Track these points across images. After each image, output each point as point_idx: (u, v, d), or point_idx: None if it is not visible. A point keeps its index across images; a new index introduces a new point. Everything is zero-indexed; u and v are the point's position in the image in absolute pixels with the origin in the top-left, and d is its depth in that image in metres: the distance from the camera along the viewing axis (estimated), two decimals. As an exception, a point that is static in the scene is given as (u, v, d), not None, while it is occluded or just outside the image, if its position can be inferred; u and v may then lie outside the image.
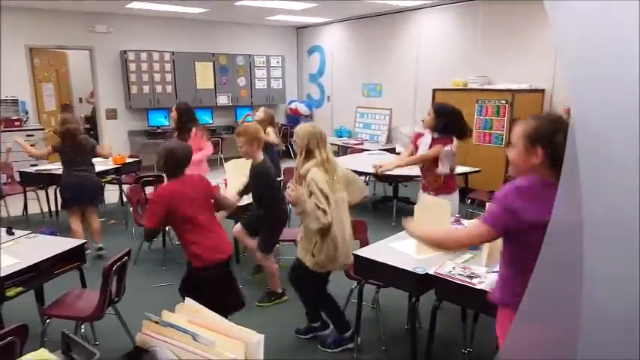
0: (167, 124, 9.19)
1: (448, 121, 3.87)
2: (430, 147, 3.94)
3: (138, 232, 5.34)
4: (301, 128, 3.18)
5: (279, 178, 5.02)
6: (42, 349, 1.56)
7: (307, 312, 3.48)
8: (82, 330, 3.01)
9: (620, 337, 1.34)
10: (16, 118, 7.62)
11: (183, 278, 3.20)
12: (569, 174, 1.37)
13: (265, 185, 3.82)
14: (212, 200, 3.16)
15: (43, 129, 7.94)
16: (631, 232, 1.27)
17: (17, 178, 6.15)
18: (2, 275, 2.77)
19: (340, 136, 9.79)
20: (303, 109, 10.58)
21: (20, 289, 2.90)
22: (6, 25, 7.69)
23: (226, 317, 1.74)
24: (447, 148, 3.85)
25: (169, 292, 4.30)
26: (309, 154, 3.09)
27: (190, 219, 2.93)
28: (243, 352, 1.58)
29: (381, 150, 7.77)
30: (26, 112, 7.99)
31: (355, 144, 8.88)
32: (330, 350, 3.33)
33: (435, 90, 7.41)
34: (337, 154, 8.62)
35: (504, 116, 6.53)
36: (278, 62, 10.50)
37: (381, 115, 9.26)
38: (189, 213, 2.92)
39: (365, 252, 3.08)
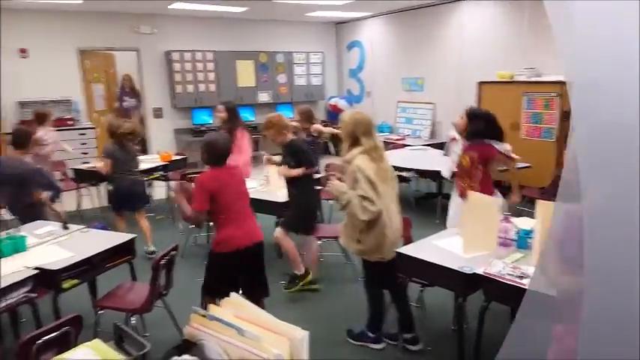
0: (211, 122, 9.38)
1: (480, 126, 3.78)
2: (464, 153, 3.88)
3: (184, 227, 5.47)
4: (346, 115, 3.11)
5: (318, 175, 5.05)
6: (96, 340, 1.61)
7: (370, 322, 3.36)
8: (133, 321, 3.10)
9: (620, 337, 1.32)
10: (68, 117, 7.96)
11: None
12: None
13: (298, 154, 3.90)
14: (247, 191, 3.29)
15: (93, 127, 8.25)
16: (631, 228, 1.25)
17: (70, 175, 6.42)
18: (58, 268, 2.89)
19: (381, 132, 9.69)
20: (343, 104, 10.54)
21: (75, 281, 3.02)
22: (57, 28, 8.04)
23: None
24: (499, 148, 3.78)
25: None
26: (355, 142, 3.00)
27: (226, 206, 3.07)
28: (288, 348, 1.58)
29: (423, 145, 7.64)
30: (78, 112, 8.33)
31: (397, 139, 8.75)
32: (351, 340, 3.34)
33: (480, 83, 7.21)
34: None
35: (554, 109, 6.27)
36: (318, 58, 10.50)
37: (424, 109, 9.09)
38: (226, 200, 3.06)
39: (409, 250, 3.01)
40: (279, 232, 4.07)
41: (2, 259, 2.99)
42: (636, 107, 1.24)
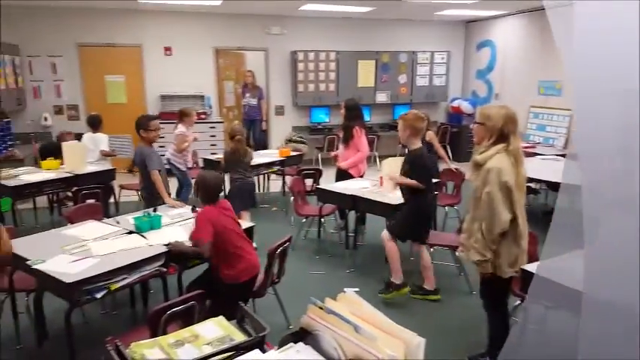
0: (327, 120, 9.58)
1: None
2: None
3: (296, 220, 5.63)
4: (494, 109, 2.77)
5: (435, 180, 4.88)
6: (221, 317, 1.69)
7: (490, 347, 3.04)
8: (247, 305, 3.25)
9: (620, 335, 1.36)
10: (202, 112, 8.62)
11: (197, 278, 3.30)
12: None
13: (419, 170, 3.75)
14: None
15: (222, 122, 8.86)
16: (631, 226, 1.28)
17: (200, 163, 6.95)
18: (186, 247, 3.12)
19: (506, 138, 9.10)
20: (466, 107, 10.08)
21: (198, 260, 3.24)
22: (197, 29, 8.75)
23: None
24: None
25: (323, 280, 4.47)
26: (500, 140, 2.69)
27: (230, 241, 3.07)
28: (403, 352, 1.52)
29: (557, 155, 6.95)
30: (210, 107, 9.01)
31: (527, 147, 8.09)
32: None
33: None
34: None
35: None
36: (443, 58, 10.15)
37: (560, 115, 8.34)
38: (229, 235, 3.07)
39: (534, 268, 2.71)
40: (385, 235, 4.00)
41: (141, 234, 3.32)
42: (636, 107, 1.29)
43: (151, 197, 4.25)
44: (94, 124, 6.15)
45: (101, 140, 6.11)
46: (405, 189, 3.92)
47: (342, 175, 5.24)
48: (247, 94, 9.04)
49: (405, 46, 9.97)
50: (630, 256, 1.31)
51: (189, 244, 3.13)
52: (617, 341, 1.37)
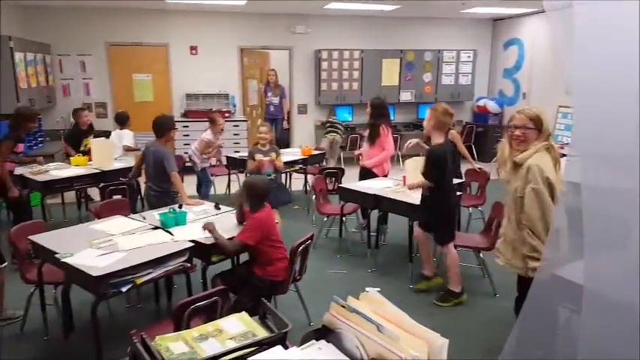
0: (350, 119, 9.55)
1: None
2: None
3: (318, 218, 5.63)
4: (534, 111, 2.74)
5: (459, 180, 4.83)
6: (243, 312, 1.70)
7: None
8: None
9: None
10: (225, 110, 8.70)
11: (224, 272, 3.42)
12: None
13: (437, 167, 3.70)
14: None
15: (245, 121, 8.93)
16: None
17: (224, 162, 7.01)
18: (210, 243, 3.16)
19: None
20: (492, 106, 9.92)
21: (221, 256, 3.28)
22: (223, 28, 8.84)
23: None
24: None
25: (344, 279, 4.46)
26: (539, 138, 2.68)
27: (276, 242, 3.27)
28: (426, 353, 1.50)
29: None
30: (234, 106, 9.08)
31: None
32: None
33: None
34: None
35: None
36: (469, 57, 10.01)
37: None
38: (274, 237, 3.27)
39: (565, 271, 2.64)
40: (419, 233, 4.00)
41: (167, 229, 3.37)
42: (636, 106, 1.31)
43: (162, 195, 4.23)
44: (122, 120, 6.36)
45: (125, 136, 6.27)
46: (424, 190, 3.90)
47: (366, 173, 5.21)
48: (269, 93, 8.99)
49: (430, 44, 9.87)
50: (631, 254, 1.32)
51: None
52: (618, 340, 1.38)
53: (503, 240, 2.88)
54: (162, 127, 4.29)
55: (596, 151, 1.43)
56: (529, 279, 2.63)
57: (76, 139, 6.41)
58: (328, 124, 8.62)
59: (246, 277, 3.27)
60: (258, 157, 5.01)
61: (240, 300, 3.09)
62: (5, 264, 3.56)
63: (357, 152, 5.72)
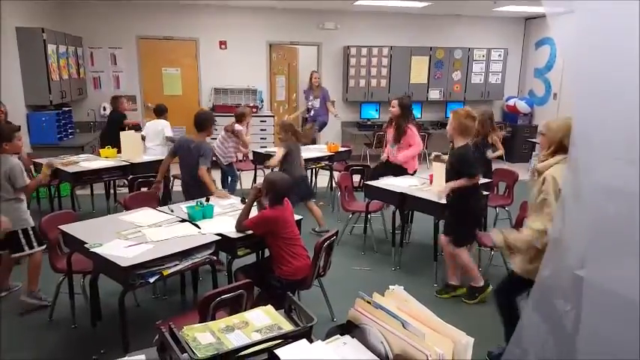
0: (377, 117, 9.48)
1: None
2: None
3: (343, 215, 5.62)
4: (557, 121, 2.89)
5: (486, 180, 4.76)
6: (269, 305, 1.71)
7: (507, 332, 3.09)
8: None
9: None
10: (253, 105, 8.76)
11: (248, 266, 3.47)
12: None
13: (459, 168, 3.67)
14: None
15: (272, 116, 8.96)
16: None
17: (250, 157, 7.06)
18: (236, 237, 3.19)
19: (564, 139, 8.72)
20: (522, 106, 9.72)
21: (247, 250, 3.31)
22: (252, 23, 8.88)
23: None
24: None
25: (368, 276, 4.45)
26: (558, 150, 2.77)
27: (288, 241, 3.26)
28: (452, 351, 1.49)
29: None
30: (261, 101, 9.13)
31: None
32: None
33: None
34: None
35: None
36: (500, 55, 9.82)
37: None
38: (288, 235, 3.25)
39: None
40: (445, 242, 3.95)
41: (194, 222, 3.41)
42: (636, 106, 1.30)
43: (197, 191, 4.27)
44: (161, 112, 6.56)
45: (165, 125, 6.46)
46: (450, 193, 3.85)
47: (394, 170, 5.19)
48: (310, 97, 8.44)
49: (460, 42, 9.72)
50: (630, 247, 1.35)
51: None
52: (618, 330, 1.41)
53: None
54: (206, 122, 4.43)
55: (596, 152, 1.45)
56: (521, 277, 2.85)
57: (119, 122, 6.75)
58: None
59: (265, 275, 3.28)
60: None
61: (260, 297, 3.12)
62: (44, 246, 3.67)
63: (383, 157, 5.62)
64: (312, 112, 8.42)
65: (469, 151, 3.78)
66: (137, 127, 7.26)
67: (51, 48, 6.64)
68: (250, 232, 3.25)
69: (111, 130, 6.87)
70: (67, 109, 7.39)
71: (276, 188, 3.27)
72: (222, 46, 8.89)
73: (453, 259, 4.03)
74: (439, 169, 4.50)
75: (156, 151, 6.32)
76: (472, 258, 4.01)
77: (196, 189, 4.23)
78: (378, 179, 4.97)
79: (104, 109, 8.35)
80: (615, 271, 1.45)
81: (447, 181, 3.89)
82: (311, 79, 8.39)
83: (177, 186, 6.50)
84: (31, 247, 3.67)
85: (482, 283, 3.93)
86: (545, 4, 1.52)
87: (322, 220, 5.38)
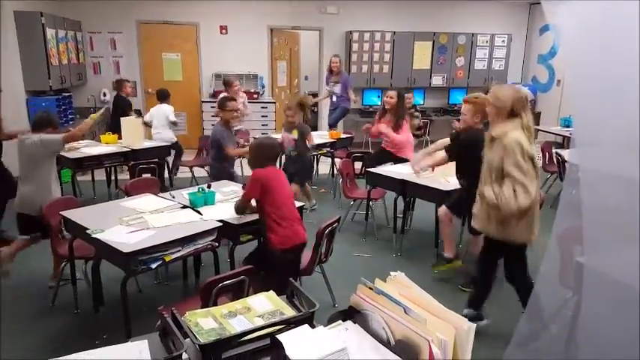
0: (379, 104, 9.41)
1: None
2: None
3: (344, 202, 5.62)
4: (502, 89, 3.00)
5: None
6: (271, 291, 1.71)
7: (474, 298, 3.32)
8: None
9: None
10: (254, 91, 8.71)
11: (252, 252, 3.42)
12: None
13: (473, 156, 3.51)
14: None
15: (274, 102, 8.91)
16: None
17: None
18: (238, 224, 3.19)
19: (567, 126, 8.65)
20: (526, 92, 9.65)
21: (250, 236, 3.31)
22: (254, 7, 8.78)
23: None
24: None
25: (369, 263, 4.46)
26: (509, 117, 2.88)
27: (278, 204, 3.14)
28: (453, 336, 1.49)
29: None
30: (263, 87, 9.07)
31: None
32: None
33: None
34: (562, 145, 7.68)
35: None
36: (503, 41, 9.73)
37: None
38: (277, 197, 3.14)
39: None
40: (444, 212, 3.98)
41: (195, 209, 3.41)
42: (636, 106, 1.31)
43: (219, 175, 4.56)
44: (164, 96, 6.56)
45: (170, 110, 6.48)
46: (466, 176, 3.78)
47: (393, 158, 5.20)
48: (330, 83, 7.89)
49: (464, 27, 9.62)
50: (630, 233, 1.36)
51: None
52: (617, 318, 1.44)
53: (480, 207, 3.07)
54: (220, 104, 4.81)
55: (596, 149, 1.50)
56: (499, 241, 3.00)
57: (124, 108, 6.73)
58: None
59: (265, 255, 3.23)
60: (282, 133, 5.23)
61: (265, 280, 3.09)
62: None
63: (367, 126, 5.72)
64: (334, 99, 7.97)
65: (477, 136, 3.62)
66: (139, 113, 7.22)
67: (50, 32, 6.58)
68: (251, 216, 3.24)
69: (114, 116, 6.84)
70: (67, 94, 7.35)
71: (262, 149, 3.27)
72: (223, 31, 8.80)
73: (448, 232, 4.10)
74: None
75: (162, 136, 6.32)
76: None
77: (218, 171, 4.69)
78: (376, 166, 4.98)
79: (104, 94, 8.31)
80: (616, 258, 1.47)
81: (464, 166, 3.80)
82: (330, 63, 7.90)
83: (182, 172, 6.53)
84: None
85: (452, 256, 4.12)
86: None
87: (311, 196, 5.61)
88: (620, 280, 1.43)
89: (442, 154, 4.04)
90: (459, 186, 4.04)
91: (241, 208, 3.25)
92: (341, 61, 8.01)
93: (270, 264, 3.12)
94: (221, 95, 6.05)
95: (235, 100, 5.19)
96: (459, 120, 3.99)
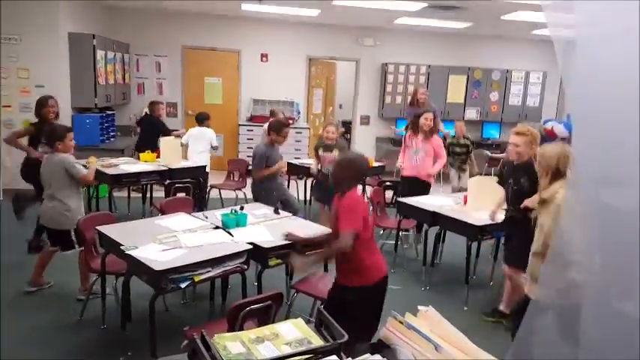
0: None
1: None
2: None
3: (375, 231, 5.56)
4: (549, 147, 3.02)
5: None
6: (299, 319, 1.71)
7: None
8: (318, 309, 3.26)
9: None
10: (290, 116, 8.85)
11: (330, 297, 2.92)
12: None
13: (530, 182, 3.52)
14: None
15: (308, 128, 9.03)
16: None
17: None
18: (269, 246, 3.20)
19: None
20: (560, 130, 9.47)
21: (279, 260, 3.29)
22: (293, 37, 9.03)
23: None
24: None
25: (398, 295, 4.35)
26: (556, 176, 2.88)
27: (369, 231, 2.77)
28: (485, 378, 1.45)
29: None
30: (298, 113, 9.22)
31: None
32: None
33: None
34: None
35: None
36: (538, 78, 9.65)
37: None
38: (368, 230, 2.73)
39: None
40: (507, 272, 3.82)
41: (227, 230, 3.45)
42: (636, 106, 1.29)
43: (257, 195, 4.67)
44: (203, 119, 6.68)
45: (214, 136, 6.64)
46: (516, 208, 3.65)
47: (417, 187, 5.20)
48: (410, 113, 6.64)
49: (498, 63, 9.61)
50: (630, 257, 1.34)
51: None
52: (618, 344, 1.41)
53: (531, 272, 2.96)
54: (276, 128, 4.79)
55: (594, 155, 1.47)
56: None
57: (158, 129, 6.86)
58: None
59: (341, 300, 2.72)
60: (321, 153, 5.26)
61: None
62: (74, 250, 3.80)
63: (399, 163, 5.65)
64: None
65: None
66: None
67: (100, 54, 6.91)
68: (281, 240, 3.22)
69: (144, 135, 7.02)
70: (111, 112, 7.64)
71: (353, 165, 2.77)
72: (264, 59, 9.04)
73: (513, 289, 3.82)
74: (475, 189, 4.42)
75: (201, 158, 6.41)
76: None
77: (256, 192, 4.72)
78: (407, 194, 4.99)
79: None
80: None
81: (514, 199, 3.70)
82: (415, 94, 6.93)
83: (214, 193, 6.65)
84: (80, 244, 3.76)
85: (507, 312, 3.86)
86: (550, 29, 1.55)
87: None
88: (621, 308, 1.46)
89: (501, 194, 3.94)
90: (490, 221, 3.96)
91: (349, 246, 2.56)
92: (427, 91, 7.29)
93: (350, 305, 2.65)
94: (275, 118, 6.12)
95: (289, 125, 5.15)
96: (502, 152, 3.97)
